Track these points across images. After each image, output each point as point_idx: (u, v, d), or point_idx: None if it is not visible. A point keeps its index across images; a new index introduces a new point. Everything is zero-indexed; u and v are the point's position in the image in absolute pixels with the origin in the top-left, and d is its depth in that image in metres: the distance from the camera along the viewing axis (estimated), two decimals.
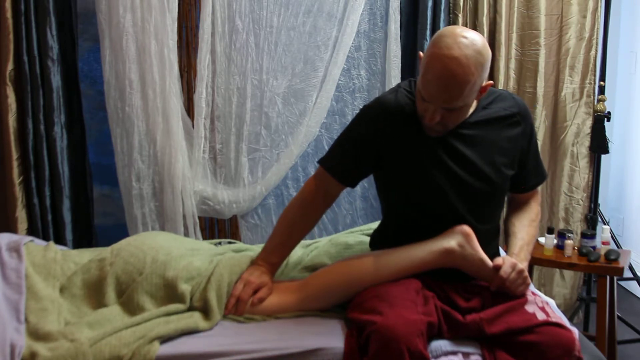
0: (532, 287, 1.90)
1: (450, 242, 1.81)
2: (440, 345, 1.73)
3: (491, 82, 1.79)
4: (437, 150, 1.82)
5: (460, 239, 1.81)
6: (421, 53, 1.75)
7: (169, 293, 1.87)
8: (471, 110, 1.84)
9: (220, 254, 2.04)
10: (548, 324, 1.69)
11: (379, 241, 2.00)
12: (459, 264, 1.82)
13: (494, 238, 1.95)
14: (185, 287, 1.87)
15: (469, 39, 1.66)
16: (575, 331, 1.82)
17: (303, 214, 1.94)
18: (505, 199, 2.02)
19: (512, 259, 1.79)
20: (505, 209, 2.09)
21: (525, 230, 1.93)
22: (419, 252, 1.83)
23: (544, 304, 1.78)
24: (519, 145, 1.89)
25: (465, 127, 1.83)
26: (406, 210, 1.90)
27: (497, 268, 1.78)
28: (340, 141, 1.94)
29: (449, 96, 1.68)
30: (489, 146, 1.84)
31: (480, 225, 1.85)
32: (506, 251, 1.92)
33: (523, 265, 1.82)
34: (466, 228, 1.81)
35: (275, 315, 1.87)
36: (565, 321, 1.80)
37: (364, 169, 1.93)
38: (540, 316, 1.71)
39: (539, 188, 2.05)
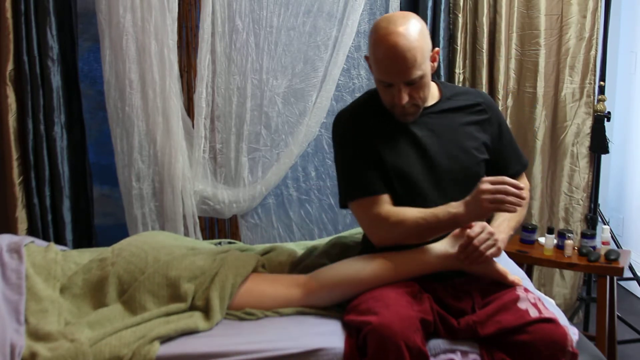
0: (526, 284, 1.90)
1: (455, 248, 1.82)
2: (439, 343, 1.74)
3: (437, 49, 1.86)
4: (405, 143, 1.86)
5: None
6: (366, 55, 1.86)
7: (171, 292, 1.87)
8: (435, 100, 1.92)
9: (223, 252, 2.04)
10: (540, 321, 1.69)
11: (370, 247, 1.99)
12: (464, 267, 1.83)
13: None
14: (187, 286, 1.87)
15: (399, 15, 1.79)
16: (574, 330, 1.82)
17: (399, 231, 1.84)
18: None
19: (484, 223, 1.79)
20: None
21: None
22: (424, 255, 1.83)
23: (537, 300, 1.77)
24: (488, 131, 1.95)
25: (431, 116, 1.90)
26: None
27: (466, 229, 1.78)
28: (343, 170, 1.92)
29: (407, 67, 1.75)
30: (456, 131, 1.91)
31: None
32: None
33: (501, 236, 1.82)
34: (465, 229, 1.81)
35: (276, 310, 1.87)
36: (560, 316, 1.80)
37: (379, 167, 1.90)
38: (533, 313, 1.71)
39: (524, 175, 2.08)
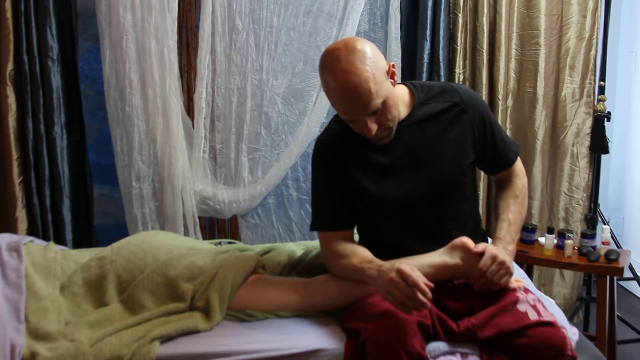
0: (526, 284, 1.90)
1: (455, 258, 1.79)
2: (438, 345, 1.73)
3: (393, 62, 1.78)
4: (378, 161, 1.83)
5: (462, 254, 1.79)
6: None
7: (170, 292, 1.87)
8: (407, 109, 1.85)
9: (223, 252, 2.04)
10: (539, 324, 1.68)
11: (368, 249, 1.98)
12: (464, 276, 1.82)
13: (471, 233, 1.89)
14: (186, 286, 1.87)
15: (342, 47, 1.68)
16: (574, 330, 1.82)
17: (347, 274, 1.84)
18: (475, 190, 2.01)
19: (493, 251, 1.74)
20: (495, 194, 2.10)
21: (510, 210, 1.92)
22: (422, 266, 1.80)
23: (536, 301, 1.76)
24: (469, 131, 1.87)
25: (408, 129, 1.83)
26: (375, 227, 1.90)
27: (480, 255, 1.74)
28: (315, 199, 1.92)
29: (364, 102, 1.67)
30: (435, 142, 1.84)
31: (449, 223, 1.86)
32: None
33: (509, 248, 1.82)
34: (465, 240, 1.79)
35: (276, 313, 1.87)
36: (559, 317, 1.80)
37: (350, 204, 1.89)
38: (532, 315, 1.69)
39: (518, 161, 2.02)
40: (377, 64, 1.69)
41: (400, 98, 1.83)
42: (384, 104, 1.71)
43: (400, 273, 1.61)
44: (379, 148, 1.83)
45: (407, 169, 1.84)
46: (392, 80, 1.75)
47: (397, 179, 1.84)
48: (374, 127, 1.72)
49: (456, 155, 1.86)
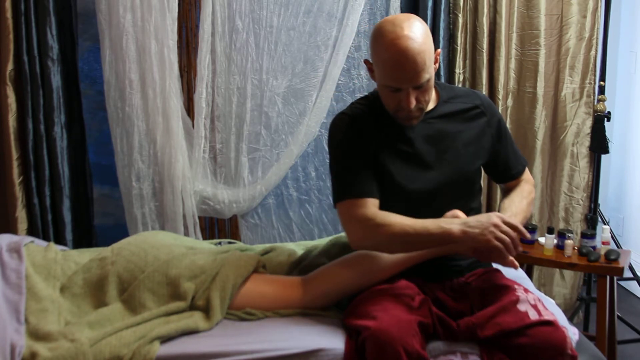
0: (526, 284, 1.90)
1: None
2: (438, 345, 1.74)
3: (439, 50, 1.85)
4: (402, 150, 1.85)
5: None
6: (366, 60, 1.83)
7: (171, 291, 1.87)
8: (433, 103, 1.90)
9: (224, 252, 2.04)
10: (539, 324, 1.68)
11: None
12: (459, 248, 1.78)
13: None
14: (188, 286, 1.87)
15: (403, 18, 1.74)
16: (574, 330, 1.82)
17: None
18: (480, 192, 2.04)
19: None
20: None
21: (515, 205, 1.95)
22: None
23: (536, 301, 1.77)
24: (487, 134, 1.94)
25: (430, 121, 1.87)
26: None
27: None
28: (340, 168, 1.88)
29: (417, 71, 1.71)
30: (453, 137, 1.89)
31: None
32: None
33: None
34: (456, 211, 1.82)
35: (276, 311, 1.87)
36: (559, 317, 1.80)
37: (372, 171, 1.87)
38: (532, 315, 1.70)
39: (527, 171, 2.08)
40: (431, 44, 1.76)
41: None
42: (427, 82, 1.76)
43: (502, 218, 1.70)
44: (400, 134, 1.86)
45: (423, 160, 1.86)
46: (435, 66, 1.80)
47: (415, 167, 1.86)
48: (413, 101, 1.76)
49: (472, 153, 1.91)
